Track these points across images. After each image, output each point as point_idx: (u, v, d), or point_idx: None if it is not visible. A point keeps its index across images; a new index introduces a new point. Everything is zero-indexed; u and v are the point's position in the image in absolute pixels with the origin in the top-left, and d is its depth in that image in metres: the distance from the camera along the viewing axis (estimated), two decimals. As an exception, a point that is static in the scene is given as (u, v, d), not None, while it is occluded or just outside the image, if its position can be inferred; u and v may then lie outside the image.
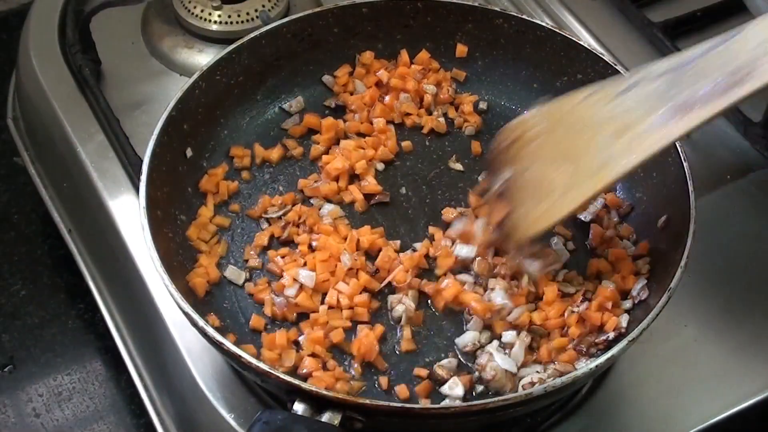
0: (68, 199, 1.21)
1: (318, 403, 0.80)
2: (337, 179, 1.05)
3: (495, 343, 0.93)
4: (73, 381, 1.15)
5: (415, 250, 1.00)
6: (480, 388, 0.91)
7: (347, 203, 1.05)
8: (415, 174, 1.09)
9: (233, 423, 0.94)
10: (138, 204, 0.92)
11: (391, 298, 0.97)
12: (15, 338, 1.19)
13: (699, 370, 0.99)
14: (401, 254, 0.99)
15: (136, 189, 1.01)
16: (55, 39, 1.25)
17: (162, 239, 0.92)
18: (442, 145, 1.11)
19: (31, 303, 1.22)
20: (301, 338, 0.93)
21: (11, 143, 1.29)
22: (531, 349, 0.93)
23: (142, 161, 0.95)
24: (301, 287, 0.96)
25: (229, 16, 1.24)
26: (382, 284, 0.97)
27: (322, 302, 0.96)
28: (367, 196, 1.06)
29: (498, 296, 0.95)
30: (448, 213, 1.04)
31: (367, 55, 1.13)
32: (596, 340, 0.93)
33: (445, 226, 1.03)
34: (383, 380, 0.92)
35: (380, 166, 1.08)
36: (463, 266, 0.99)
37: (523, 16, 1.11)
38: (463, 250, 0.99)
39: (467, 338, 0.94)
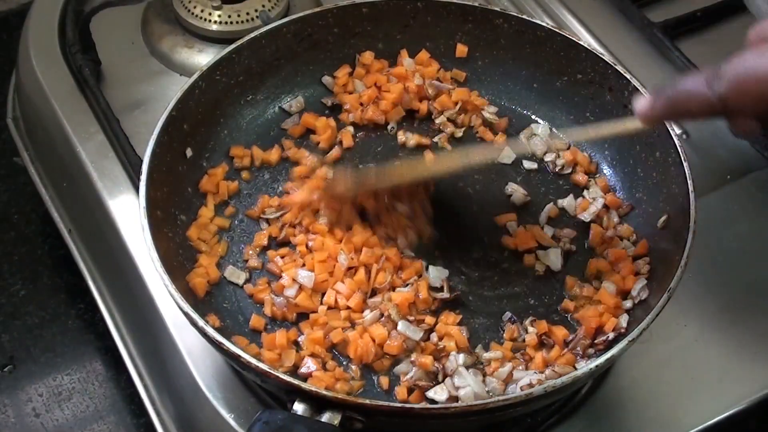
0: (68, 199, 1.21)
1: (318, 403, 0.80)
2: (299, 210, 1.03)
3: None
4: (73, 381, 1.15)
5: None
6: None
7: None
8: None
9: (233, 423, 0.94)
10: (138, 204, 0.92)
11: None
12: (15, 338, 1.19)
13: (699, 370, 0.99)
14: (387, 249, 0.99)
15: (136, 189, 1.01)
16: (55, 39, 1.25)
17: (162, 239, 0.92)
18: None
19: (31, 303, 1.22)
20: (300, 338, 0.93)
21: (11, 143, 1.29)
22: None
23: (142, 161, 0.95)
24: (301, 287, 0.96)
25: (229, 16, 1.24)
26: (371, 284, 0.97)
27: (322, 302, 0.96)
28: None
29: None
30: None
31: (367, 55, 1.13)
32: (596, 341, 0.93)
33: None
34: (383, 380, 0.92)
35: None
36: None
37: (523, 16, 1.11)
38: None
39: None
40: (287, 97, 1.13)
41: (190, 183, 1.04)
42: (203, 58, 1.22)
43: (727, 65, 0.74)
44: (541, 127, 1.12)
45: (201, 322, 0.84)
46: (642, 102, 0.81)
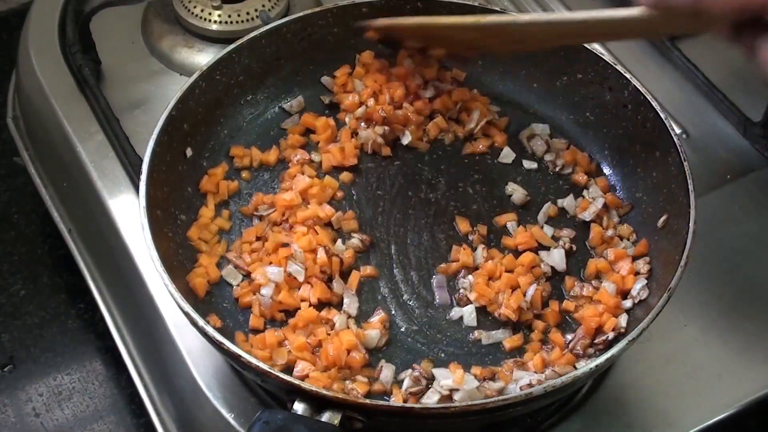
0: (68, 199, 1.21)
1: (318, 403, 0.80)
2: (285, 211, 1.03)
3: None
4: (73, 381, 1.15)
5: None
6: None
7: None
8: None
9: (233, 423, 0.94)
10: (138, 204, 0.92)
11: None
12: (15, 338, 1.19)
13: (699, 370, 0.99)
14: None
15: (136, 189, 1.01)
16: (55, 39, 1.25)
17: (162, 239, 0.92)
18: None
19: (31, 303, 1.22)
20: (286, 342, 0.93)
21: (11, 143, 1.29)
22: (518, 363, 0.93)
23: (142, 161, 0.95)
24: (278, 285, 0.96)
25: (229, 16, 1.24)
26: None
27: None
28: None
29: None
30: None
31: (367, 55, 1.13)
32: (596, 341, 0.93)
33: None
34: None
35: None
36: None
37: (523, 16, 1.11)
38: None
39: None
40: (287, 97, 1.13)
41: (190, 183, 1.04)
42: (203, 57, 1.22)
43: None
44: (541, 127, 1.12)
45: (201, 322, 0.84)
46: None
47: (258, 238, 1.01)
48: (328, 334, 0.92)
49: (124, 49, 1.26)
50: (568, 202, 1.06)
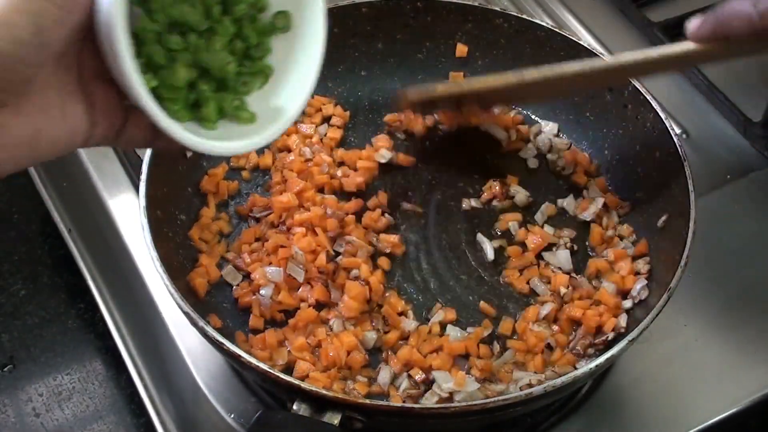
0: (68, 199, 1.20)
1: (318, 403, 0.80)
2: (282, 213, 1.03)
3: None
4: (73, 381, 1.15)
5: None
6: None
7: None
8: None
9: (233, 423, 0.94)
10: (138, 204, 0.92)
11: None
12: (15, 338, 1.19)
13: (699, 370, 0.99)
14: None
15: (136, 189, 1.01)
16: (55, 39, 1.25)
17: (162, 239, 0.92)
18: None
19: (31, 303, 1.22)
20: (286, 342, 0.93)
21: (11, 143, 1.29)
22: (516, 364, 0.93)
23: (142, 161, 0.95)
24: (277, 286, 0.95)
25: (229, 16, 1.24)
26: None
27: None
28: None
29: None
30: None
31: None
32: (596, 341, 0.93)
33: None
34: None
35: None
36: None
37: (523, 16, 1.11)
38: None
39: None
40: (287, 97, 1.13)
41: (190, 183, 1.04)
42: (203, 58, 1.22)
43: None
44: (549, 125, 1.12)
45: (201, 322, 0.84)
46: (693, 22, 0.84)
47: (257, 239, 1.01)
48: (328, 335, 0.92)
49: (124, 49, 1.26)
50: (568, 202, 1.06)
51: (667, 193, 0.99)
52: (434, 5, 1.12)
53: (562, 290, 0.97)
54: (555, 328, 0.94)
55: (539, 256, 1.01)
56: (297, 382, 0.80)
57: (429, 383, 0.90)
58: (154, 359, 1.05)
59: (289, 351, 0.91)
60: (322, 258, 0.97)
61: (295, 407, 0.80)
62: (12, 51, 0.60)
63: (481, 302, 0.97)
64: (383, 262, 1.00)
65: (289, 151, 1.09)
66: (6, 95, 0.62)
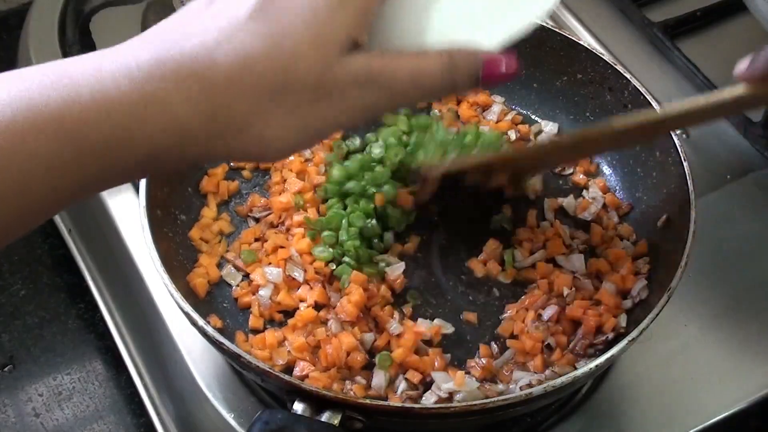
0: (68, 199, 1.20)
1: (318, 402, 0.80)
2: (281, 213, 1.02)
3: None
4: (73, 381, 1.15)
5: None
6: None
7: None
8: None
9: (233, 423, 0.94)
10: (138, 204, 0.92)
11: None
12: (15, 338, 1.19)
13: (699, 370, 0.99)
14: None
15: (136, 189, 1.01)
16: (55, 39, 1.25)
17: (162, 239, 0.92)
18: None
19: (31, 303, 1.22)
20: (286, 342, 0.93)
21: (11, 143, 1.29)
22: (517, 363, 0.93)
23: (142, 161, 0.95)
24: (276, 286, 0.95)
25: (229, 16, 1.24)
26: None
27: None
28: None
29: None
30: None
31: None
32: (595, 341, 0.93)
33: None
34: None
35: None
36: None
37: (523, 16, 1.11)
38: None
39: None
40: (287, 97, 1.13)
41: (190, 183, 1.03)
42: (203, 58, 1.22)
43: None
44: (550, 125, 1.12)
45: (201, 322, 0.84)
46: (743, 63, 0.79)
47: (257, 239, 1.01)
48: (327, 335, 0.92)
49: (124, 49, 1.26)
50: (568, 202, 1.06)
51: (667, 193, 0.99)
52: (434, 5, 1.12)
53: (565, 291, 0.96)
54: (557, 327, 0.94)
55: (552, 260, 1.01)
56: (297, 382, 0.80)
57: (427, 384, 0.90)
58: (154, 359, 1.05)
59: (289, 351, 0.91)
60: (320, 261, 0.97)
61: (295, 407, 0.80)
62: None
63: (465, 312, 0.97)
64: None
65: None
66: None
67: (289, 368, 0.90)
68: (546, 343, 0.93)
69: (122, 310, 1.11)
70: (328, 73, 0.63)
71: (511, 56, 0.71)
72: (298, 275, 0.95)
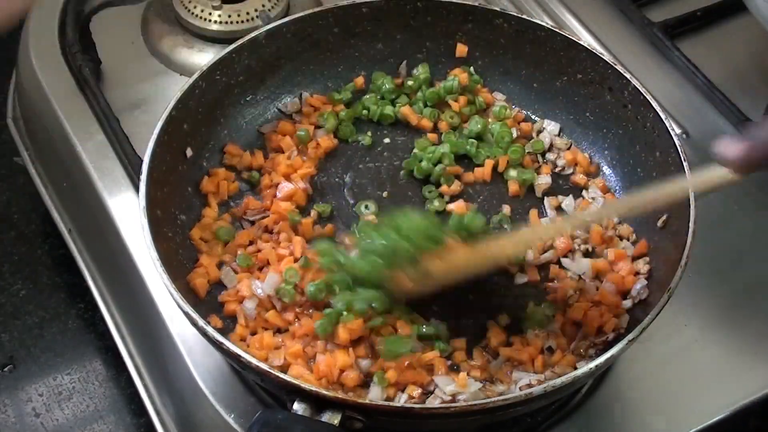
0: (68, 199, 1.20)
1: (318, 403, 0.80)
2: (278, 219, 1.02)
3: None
4: (73, 381, 1.15)
5: None
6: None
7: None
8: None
9: (233, 423, 0.94)
10: (138, 204, 0.92)
11: None
12: (15, 338, 1.19)
13: (699, 370, 0.99)
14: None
15: (136, 189, 1.01)
16: (55, 39, 1.25)
17: (162, 239, 0.92)
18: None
19: (31, 303, 1.22)
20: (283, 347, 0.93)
21: (11, 143, 1.29)
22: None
23: (142, 161, 0.95)
24: (261, 301, 0.94)
25: (229, 16, 1.24)
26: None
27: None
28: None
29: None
30: None
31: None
32: (596, 341, 0.93)
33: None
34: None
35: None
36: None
37: (523, 16, 1.11)
38: None
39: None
40: (287, 97, 1.13)
41: (191, 183, 1.04)
42: (203, 58, 1.22)
43: None
44: (552, 125, 1.12)
45: (201, 322, 0.84)
46: (728, 148, 0.80)
47: (251, 243, 1.01)
48: (327, 350, 0.91)
49: (124, 49, 1.26)
50: (568, 202, 1.06)
51: (667, 193, 0.99)
52: (434, 5, 1.12)
53: (570, 292, 0.96)
54: (558, 330, 0.94)
55: (558, 263, 1.01)
56: (297, 381, 0.80)
57: (428, 393, 0.90)
58: (154, 359, 1.05)
59: (285, 356, 0.91)
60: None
61: (295, 407, 0.80)
62: None
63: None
64: None
65: (282, 152, 1.08)
66: None
67: (285, 370, 0.90)
68: (547, 346, 0.93)
69: (122, 310, 1.11)
70: None
71: None
72: (286, 296, 0.94)
